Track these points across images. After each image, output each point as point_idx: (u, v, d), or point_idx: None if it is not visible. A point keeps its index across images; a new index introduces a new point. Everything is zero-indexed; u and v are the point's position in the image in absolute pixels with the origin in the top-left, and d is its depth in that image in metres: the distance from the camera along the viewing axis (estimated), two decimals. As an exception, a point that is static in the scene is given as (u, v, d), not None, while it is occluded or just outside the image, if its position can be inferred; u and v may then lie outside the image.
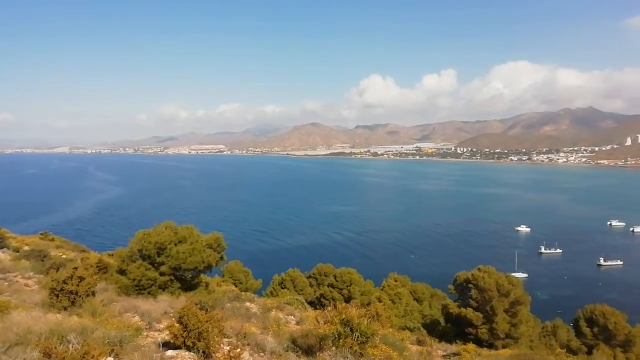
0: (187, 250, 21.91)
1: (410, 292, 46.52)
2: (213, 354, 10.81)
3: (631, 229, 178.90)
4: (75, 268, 16.22)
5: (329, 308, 14.03)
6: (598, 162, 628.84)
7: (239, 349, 10.37)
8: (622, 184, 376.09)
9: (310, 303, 40.53)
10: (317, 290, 45.50)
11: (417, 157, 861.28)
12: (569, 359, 17.04)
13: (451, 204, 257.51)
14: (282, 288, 46.33)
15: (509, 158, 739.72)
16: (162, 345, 11.49)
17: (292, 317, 20.93)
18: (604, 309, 36.74)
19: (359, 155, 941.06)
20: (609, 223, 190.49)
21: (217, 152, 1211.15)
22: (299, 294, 42.55)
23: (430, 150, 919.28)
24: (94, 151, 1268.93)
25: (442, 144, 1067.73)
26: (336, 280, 43.07)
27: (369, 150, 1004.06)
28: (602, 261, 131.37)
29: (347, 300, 37.43)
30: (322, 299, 41.81)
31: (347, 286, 42.26)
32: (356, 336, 12.22)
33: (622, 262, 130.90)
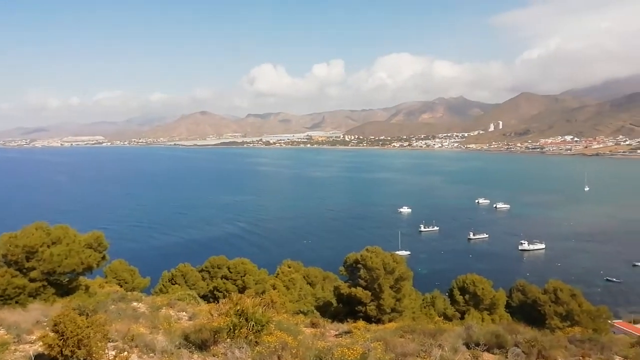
0: (62, 252, 19.99)
1: (304, 277, 47.72)
2: (96, 361, 10.09)
3: (494, 205, 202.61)
4: None
5: (224, 300, 13.89)
6: (467, 146, 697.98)
7: (125, 352, 9.82)
8: (487, 165, 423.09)
9: (203, 297, 39.61)
10: (210, 284, 44.52)
11: (309, 145, 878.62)
12: (446, 325, 18.93)
13: (341, 190, 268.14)
14: (172, 284, 44.52)
15: (392, 144, 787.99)
16: (35, 358, 10.44)
17: (184, 313, 20.30)
18: (474, 277, 41.26)
19: (251, 145, 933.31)
20: (476, 201, 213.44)
21: (95, 143, 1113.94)
22: (190, 288, 41.28)
23: (320, 139, 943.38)
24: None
25: (331, 132, 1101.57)
26: (230, 272, 42.51)
27: (261, 139, 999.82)
28: (471, 235, 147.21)
29: (242, 290, 37.22)
30: (215, 292, 41.06)
31: (241, 277, 41.97)
32: (251, 325, 12.28)
33: (487, 235, 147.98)
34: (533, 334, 14.70)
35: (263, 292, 35.62)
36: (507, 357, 13.04)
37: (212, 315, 13.77)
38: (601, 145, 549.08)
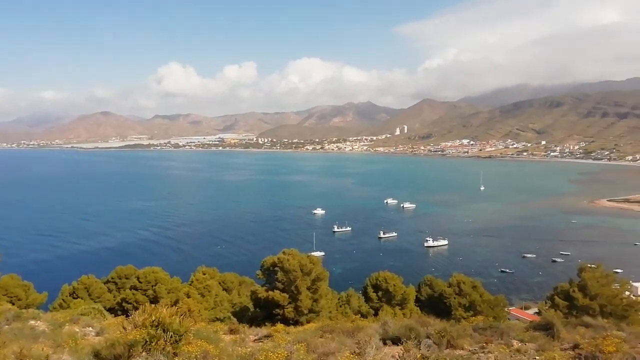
0: (-59, 270, 17.62)
1: (220, 283, 46.61)
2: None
3: (402, 205, 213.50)
4: None
5: (137, 312, 13.16)
6: (376, 149, 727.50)
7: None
8: (394, 167, 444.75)
9: (111, 310, 37.21)
10: (117, 296, 41.94)
11: (221, 148, 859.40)
12: (363, 322, 19.60)
13: (256, 193, 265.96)
14: (74, 298, 41.21)
15: (305, 147, 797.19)
16: None
17: (91, 328, 18.88)
18: (385, 274, 43.16)
19: (158, 147, 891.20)
20: (385, 201, 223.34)
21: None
22: (95, 302, 38.50)
23: (233, 141, 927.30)
24: None
25: (244, 134, 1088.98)
26: (139, 282, 40.38)
27: (169, 142, 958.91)
28: (382, 234, 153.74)
29: (154, 301, 35.47)
30: (124, 304, 38.78)
31: (152, 286, 40.06)
32: (169, 336, 11.77)
33: (396, 234, 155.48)
34: (442, 325, 15.73)
35: (177, 302, 34.23)
36: (420, 349, 13.80)
37: (125, 328, 12.97)
38: (493, 149, 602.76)
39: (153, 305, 14.13)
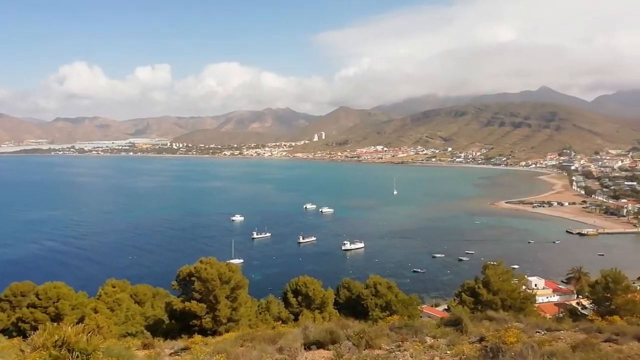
0: None
1: (131, 296, 44.10)
2: None
3: (320, 209, 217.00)
4: None
5: (37, 332, 12.00)
6: (295, 155, 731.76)
7: None
8: (313, 173, 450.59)
9: (4, 332, 33.66)
10: (12, 315, 37.98)
11: (132, 153, 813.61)
12: (283, 328, 19.59)
13: (171, 200, 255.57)
14: (-41, 321, 36.64)
15: (223, 153, 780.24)
16: None
17: (-19, 354, 16.89)
18: (305, 279, 43.51)
19: (60, 152, 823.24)
20: (304, 206, 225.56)
21: None
22: (-15, 324, 34.56)
23: (145, 146, 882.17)
24: None
25: (157, 139, 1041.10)
26: (39, 299, 36.82)
27: (73, 147, 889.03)
28: (301, 239, 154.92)
29: (56, 319, 32.55)
30: (20, 324, 35.14)
31: (54, 303, 36.72)
32: (75, 356, 10.87)
33: (315, 238, 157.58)
34: (361, 326, 16.17)
35: (83, 318, 31.82)
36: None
37: (22, 351, 11.76)
38: (405, 155, 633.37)
39: (55, 324, 12.99)
